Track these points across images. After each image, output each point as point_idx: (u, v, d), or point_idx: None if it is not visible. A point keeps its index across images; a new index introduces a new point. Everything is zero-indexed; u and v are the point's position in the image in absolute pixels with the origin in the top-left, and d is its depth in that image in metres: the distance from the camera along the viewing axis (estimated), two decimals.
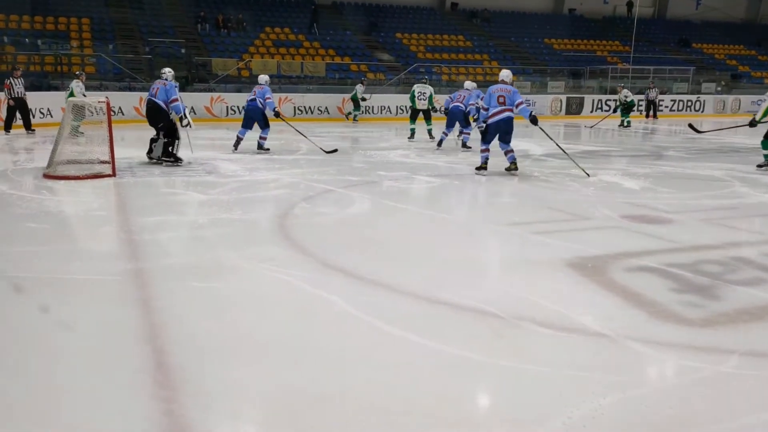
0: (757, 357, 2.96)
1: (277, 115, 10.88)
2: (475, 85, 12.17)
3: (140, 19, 22.59)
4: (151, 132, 9.11)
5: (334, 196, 7.05)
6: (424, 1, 30.58)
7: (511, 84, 8.54)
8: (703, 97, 24.64)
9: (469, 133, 11.65)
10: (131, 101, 16.46)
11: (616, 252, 4.70)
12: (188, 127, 8.94)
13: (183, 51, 21.32)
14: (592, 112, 22.62)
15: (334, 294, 3.72)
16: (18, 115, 13.02)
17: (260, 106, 10.50)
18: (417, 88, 13.53)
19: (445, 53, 25.85)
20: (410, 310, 3.56)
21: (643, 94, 21.94)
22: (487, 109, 8.33)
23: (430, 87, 13.63)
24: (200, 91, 18.88)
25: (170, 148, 8.87)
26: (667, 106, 23.65)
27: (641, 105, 21.76)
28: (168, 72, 9.19)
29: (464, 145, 11.63)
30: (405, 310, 3.55)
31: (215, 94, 18.38)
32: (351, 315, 3.44)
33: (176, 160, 8.90)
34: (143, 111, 10.33)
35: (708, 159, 10.80)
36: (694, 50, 31.17)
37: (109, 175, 7.85)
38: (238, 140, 10.74)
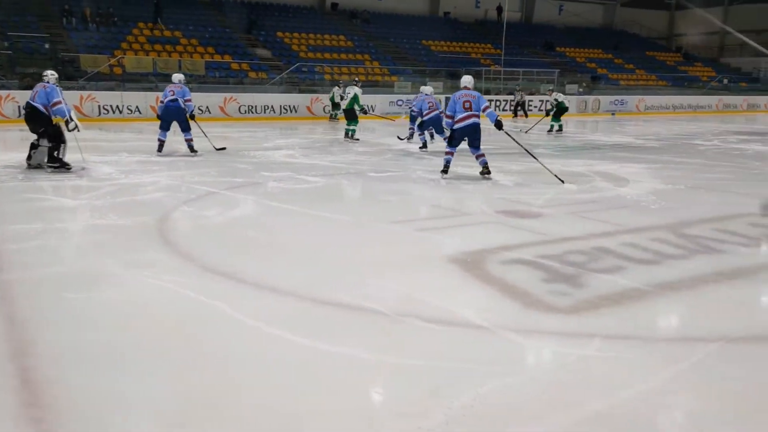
0: (615, 339, 3.25)
1: (192, 117, 10.49)
2: (431, 89, 12.72)
3: None
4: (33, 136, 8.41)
5: (217, 198, 6.90)
6: (304, 1, 30.48)
7: (473, 87, 8.51)
8: (567, 97, 26.36)
9: (428, 138, 12.11)
10: None
11: (493, 246, 4.97)
12: (76, 130, 8.35)
13: (47, 46, 19.87)
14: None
15: (217, 299, 3.66)
16: None
17: (181, 107, 10.14)
18: (346, 88, 13.80)
19: (326, 53, 25.90)
20: (295, 311, 3.58)
21: (512, 95, 23.28)
22: (452, 117, 8.29)
23: (358, 88, 13.70)
24: (68, 89, 17.66)
25: (55, 153, 8.21)
26: (536, 106, 25.10)
27: (511, 106, 23.06)
28: (50, 74, 8.58)
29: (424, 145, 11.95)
30: (290, 312, 3.56)
31: (85, 93, 17.32)
32: (236, 319, 3.40)
33: (62, 165, 8.27)
34: (17, 114, 9.52)
35: (573, 156, 11.61)
36: (558, 53, 33.29)
37: None
38: (161, 144, 10.31)
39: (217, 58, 22.73)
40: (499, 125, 8.36)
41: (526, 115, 23.07)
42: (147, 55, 21.38)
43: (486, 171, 8.44)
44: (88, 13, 22.23)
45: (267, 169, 9.15)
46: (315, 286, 3.97)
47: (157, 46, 22.19)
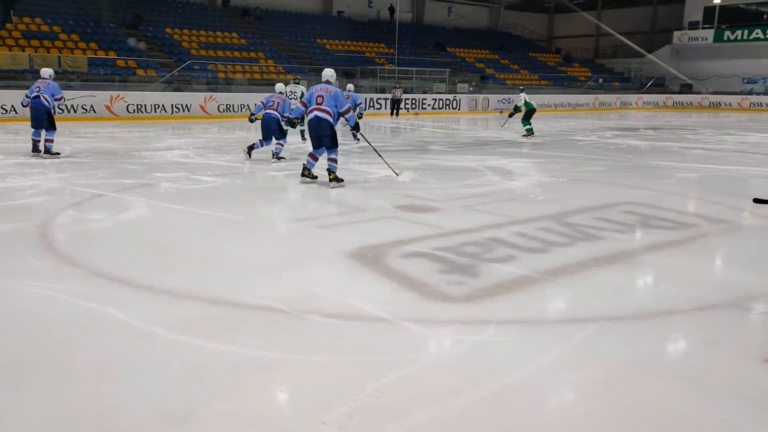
0: (508, 324, 3.43)
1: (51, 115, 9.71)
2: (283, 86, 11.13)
3: None
4: None
5: (106, 200, 6.57)
6: None
7: (336, 84, 7.89)
8: (458, 96, 27.24)
9: (283, 144, 10.16)
10: None
11: (392, 240, 5.07)
12: None
13: None
14: (366, 110, 23.74)
15: (108, 305, 3.50)
16: None
17: (46, 104, 9.41)
18: (289, 87, 12.98)
19: (219, 50, 25.24)
20: (193, 313, 3.49)
21: (389, 93, 23.68)
22: (306, 105, 7.74)
23: (301, 86, 13.28)
24: None
25: None
26: (429, 104, 25.73)
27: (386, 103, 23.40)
28: None
29: (276, 155, 10.05)
30: (187, 314, 3.47)
31: None
32: (128, 325, 3.26)
33: None
34: None
35: (465, 152, 12.01)
36: (449, 53, 34.29)
37: None
38: (35, 143, 9.60)
39: (101, 54, 21.56)
40: (356, 128, 8.17)
41: (398, 114, 23.36)
42: (23, 50, 19.92)
43: (333, 178, 7.62)
44: None
45: (160, 169, 8.81)
46: (212, 287, 3.89)
47: (34, 42, 20.73)
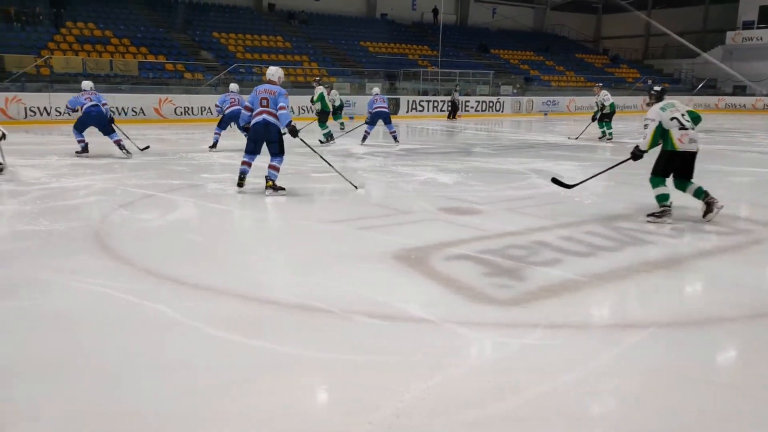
0: (555, 328, 3.37)
1: (111, 121, 10.37)
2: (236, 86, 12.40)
3: None
4: None
5: (155, 201, 6.73)
6: (241, 1, 30.07)
7: (279, 83, 7.25)
8: (502, 98, 27.01)
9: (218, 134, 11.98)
10: None
11: (435, 242, 5.05)
12: (3, 138, 8.18)
13: None
14: (408, 112, 23.81)
15: (158, 302, 3.58)
16: None
17: (103, 111, 10.08)
18: (322, 89, 13.55)
19: (264, 54, 25.63)
20: (240, 312, 3.55)
21: (449, 95, 23.68)
22: (250, 110, 7.14)
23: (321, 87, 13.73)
24: None
25: None
26: (472, 107, 25.59)
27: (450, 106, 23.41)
28: None
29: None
30: (234, 313, 3.52)
31: (10, 94, 16.54)
32: (178, 322, 3.34)
33: None
34: None
35: (509, 155, 11.90)
36: (493, 55, 34.04)
37: None
38: (85, 144, 10.25)
39: (151, 58, 22.14)
40: (293, 132, 6.98)
41: (455, 117, 23.36)
42: (76, 55, 20.62)
43: (270, 185, 7.13)
44: (12, 12, 21.23)
45: (206, 171, 8.99)
46: (257, 286, 3.95)
47: (87, 46, 21.43)
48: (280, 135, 7.16)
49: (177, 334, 3.20)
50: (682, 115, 5.89)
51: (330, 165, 7.97)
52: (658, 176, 5.96)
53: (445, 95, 25.45)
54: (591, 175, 6.70)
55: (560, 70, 34.84)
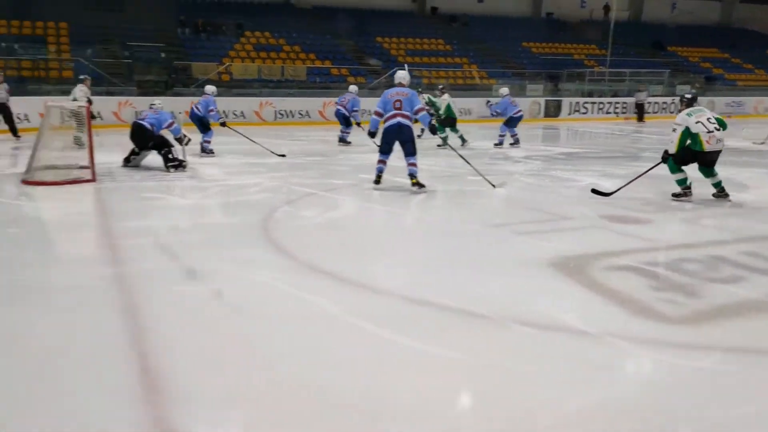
0: (737, 353, 3.02)
1: (223, 124, 11.36)
2: (356, 88, 13.62)
3: (120, 23, 22.36)
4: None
5: (317, 199, 7.06)
6: (404, 5, 30.73)
7: (409, 86, 7.60)
8: (678, 99, 24.98)
9: (348, 133, 13.18)
10: (110, 106, 16.31)
11: (597, 251, 4.77)
12: (188, 143, 9.31)
13: (163, 55, 21.13)
14: (570, 114, 22.87)
15: (318, 296, 3.73)
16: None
17: (198, 112, 11.03)
18: (448, 98, 13.68)
19: (425, 57, 25.97)
20: (395, 311, 3.58)
21: (632, 96, 22.28)
22: (381, 114, 7.48)
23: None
24: (181, 95, 18.74)
25: (170, 156, 8.88)
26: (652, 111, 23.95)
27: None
28: (158, 103, 9.53)
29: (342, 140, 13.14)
30: (390, 312, 3.56)
31: (195, 99, 18.23)
32: (336, 317, 3.44)
33: (180, 163, 8.95)
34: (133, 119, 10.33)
35: None
36: (669, 53, 31.62)
37: (89, 180, 7.76)
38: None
39: (318, 63, 23.34)
40: (432, 130, 7.86)
41: (643, 119, 21.91)
42: (253, 62, 22.29)
43: (416, 183, 7.39)
44: (200, 24, 23.46)
45: (365, 171, 9.25)
46: (414, 287, 3.97)
47: (263, 53, 23.09)
48: (413, 135, 7.45)
49: (337, 330, 3.29)
50: (708, 119, 6.62)
51: (468, 163, 8.08)
52: (678, 164, 6.82)
53: (612, 96, 24.08)
54: (627, 182, 6.95)
55: (748, 68, 31.52)
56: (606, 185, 7.92)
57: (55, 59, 19.37)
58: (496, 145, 12.73)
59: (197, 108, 11.15)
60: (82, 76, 13.13)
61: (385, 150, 7.57)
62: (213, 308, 3.60)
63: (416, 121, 7.55)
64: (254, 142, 11.10)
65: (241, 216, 6.08)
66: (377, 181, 7.63)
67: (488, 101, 13.42)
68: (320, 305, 3.60)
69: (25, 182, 7.61)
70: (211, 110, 11.07)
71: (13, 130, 13.00)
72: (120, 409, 2.47)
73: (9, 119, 12.94)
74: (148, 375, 2.75)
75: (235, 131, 11.56)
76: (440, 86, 14.69)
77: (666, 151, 6.80)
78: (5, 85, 12.79)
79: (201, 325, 3.33)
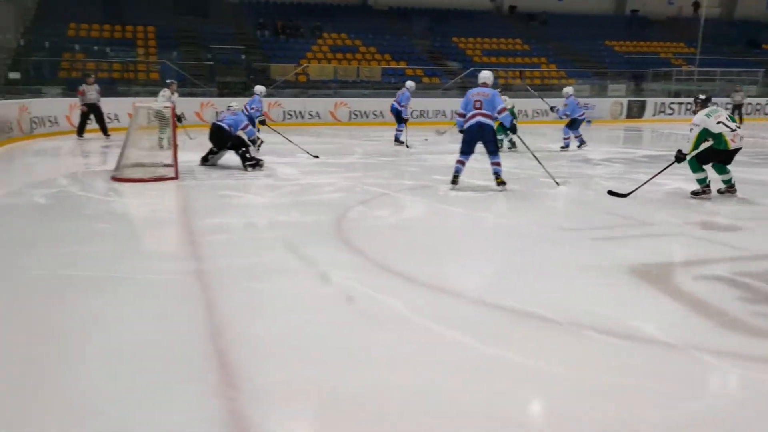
0: None
1: (263, 123, 11.84)
2: (412, 84, 13.55)
3: (203, 27, 23.24)
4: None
5: (390, 199, 7.07)
6: (481, 5, 30.38)
7: (493, 86, 7.72)
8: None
9: (401, 131, 13.18)
10: (193, 107, 16.95)
11: (681, 259, 4.55)
12: (261, 145, 9.68)
13: (243, 57, 21.79)
14: (654, 115, 21.98)
15: (391, 296, 3.72)
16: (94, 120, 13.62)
17: (245, 112, 11.20)
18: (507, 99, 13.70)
19: (502, 57, 25.58)
20: (467, 314, 3.53)
21: (724, 97, 21.08)
22: (463, 115, 7.52)
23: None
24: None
25: (247, 155, 9.18)
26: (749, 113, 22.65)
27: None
28: (235, 105, 9.91)
29: (396, 140, 13.18)
30: (462, 314, 3.51)
31: (273, 99, 18.71)
32: (409, 318, 3.43)
33: (258, 162, 9.22)
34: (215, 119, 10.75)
35: None
36: (765, 51, 29.83)
37: (171, 178, 8.10)
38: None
39: (393, 64, 23.43)
40: (513, 129, 8.29)
41: (741, 120, 20.75)
42: (329, 63, 22.63)
43: (500, 182, 7.51)
44: (279, 26, 24.04)
45: (438, 172, 9.20)
46: (486, 290, 3.90)
47: (339, 55, 23.40)
48: (495, 134, 7.55)
49: (409, 331, 3.27)
50: (726, 118, 6.72)
51: (535, 158, 8.20)
52: (700, 163, 6.87)
53: (716, 96, 22.88)
54: (643, 182, 6.91)
55: None
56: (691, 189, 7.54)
57: (143, 62, 20.32)
58: (562, 148, 12.36)
59: (245, 108, 11.50)
60: (168, 81, 13.67)
61: (465, 150, 7.56)
62: (287, 305, 3.66)
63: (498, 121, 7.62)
64: (291, 141, 11.33)
65: (315, 215, 6.17)
66: (454, 182, 7.63)
67: (554, 107, 12.96)
68: (392, 305, 3.59)
69: (114, 179, 8.02)
70: (253, 108, 11.52)
71: (104, 129, 13.75)
72: (197, 401, 2.54)
73: (100, 119, 13.70)
74: (225, 369, 2.82)
75: (275, 131, 11.98)
76: (498, 89, 14.60)
77: (680, 151, 6.83)
78: (96, 86, 13.52)
79: (276, 322, 3.39)
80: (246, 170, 8.98)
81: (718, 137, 6.67)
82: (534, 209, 6.71)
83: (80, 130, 13.59)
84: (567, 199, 7.16)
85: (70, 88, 14.98)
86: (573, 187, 7.74)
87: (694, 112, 6.93)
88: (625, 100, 22.13)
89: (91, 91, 13.33)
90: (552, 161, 9.90)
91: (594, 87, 23.68)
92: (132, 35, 21.84)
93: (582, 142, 12.34)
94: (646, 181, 7.03)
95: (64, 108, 14.74)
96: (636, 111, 21.94)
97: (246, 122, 9.47)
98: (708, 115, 6.70)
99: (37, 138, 13.51)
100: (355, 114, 19.02)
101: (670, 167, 7.12)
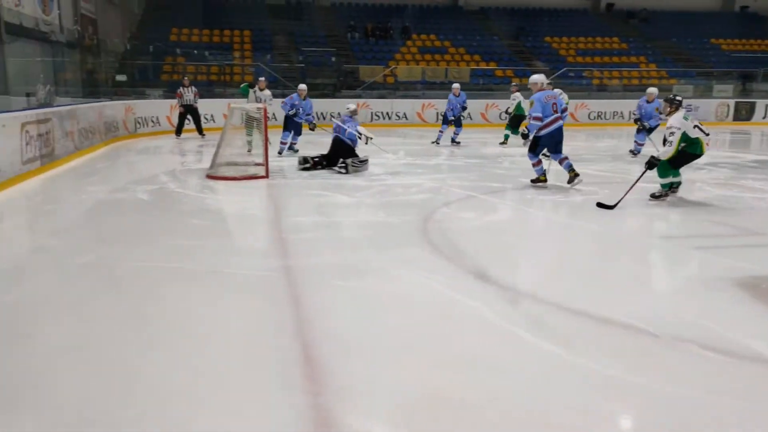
0: None
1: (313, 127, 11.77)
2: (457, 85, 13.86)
3: (296, 30, 23.86)
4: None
5: (475, 202, 6.95)
6: (577, 3, 29.48)
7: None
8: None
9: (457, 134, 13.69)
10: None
11: None
12: (371, 140, 9.56)
13: (333, 59, 22.19)
14: (764, 118, 20.56)
15: (475, 299, 3.65)
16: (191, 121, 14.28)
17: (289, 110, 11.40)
18: (520, 97, 13.59)
19: (597, 56, 24.70)
20: (555, 321, 3.39)
21: None
22: (540, 119, 7.47)
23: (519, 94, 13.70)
24: (348, 97, 19.54)
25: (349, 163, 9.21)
26: None
27: None
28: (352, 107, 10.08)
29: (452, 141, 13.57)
30: (550, 322, 3.38)
31: (361, 101, 18.93)
32: (493, 323, 3.34)
33: (362, 161, 9.30)
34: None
35: None
36: None
37: (262, 177, 8.33)
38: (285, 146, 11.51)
39: (482, 65, 23.13)
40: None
41: None
42: (417, 64, 22.64)
43: (575, 175, 7.63)
44: (369, 28, 24.31)
45: (526, 175, 8.97)
46: (576, 298, 3.73)
47: (427, 56, 23.36)
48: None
49: (494, 337, 3.19)
50: (699, 123, 6.70)
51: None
52: (671, 169, 6.82)
53: None
54: (626, 191, 6.50)
55: None
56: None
57: (237, 64, 21.10)
58: (631, 152, 11.69)
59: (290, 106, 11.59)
60: (261, 78, 14.04)
61: (539, 151, 7.75)
62: (372, 304, 3.66)
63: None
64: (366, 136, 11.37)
65: (401, 215, 6.15)
66: (544, 180, 7.84)
67: (637, 120, 11.90)
68: (476, 309, 3.52)
69: (209, 177, 8.34)
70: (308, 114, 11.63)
71: (200, 130, 14.39)
72: (281, 394, 2.57)
73: (197, 120, 14.34)
74: (309, 364, 2.84)
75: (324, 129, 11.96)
76: (513, 84, 14.43)
77: (653, 157, 6.72)
78: (193, 88, 14.15)
79: (361, 320, 3.39)
80: (341, 172, 8.96)
81: (696, 141, 6.62)
82: (629, 216, 6.39)
83: (178, 130, 14.28)
84: (667, 206, 6.77)
85: (171, 90, 15.76)
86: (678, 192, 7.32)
87: (667, 115, 6.72)
88: (732, 102, 20.84)
89: (188, 93, 13.95)
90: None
91: (698, 87, 22.44)
92: (229, 39, 22.74)
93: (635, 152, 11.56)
94: (628, 190, 6.59)
95: (165, 109, 15.56)
96: (744, 113, 20.61)
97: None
98: (685, 118, 6.61)
99: (140, 137, 14.34)
100: (442, 115, 18.89)
101: (644, 174, 6.80)
